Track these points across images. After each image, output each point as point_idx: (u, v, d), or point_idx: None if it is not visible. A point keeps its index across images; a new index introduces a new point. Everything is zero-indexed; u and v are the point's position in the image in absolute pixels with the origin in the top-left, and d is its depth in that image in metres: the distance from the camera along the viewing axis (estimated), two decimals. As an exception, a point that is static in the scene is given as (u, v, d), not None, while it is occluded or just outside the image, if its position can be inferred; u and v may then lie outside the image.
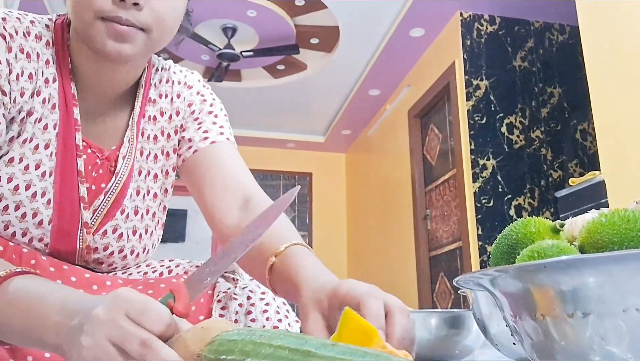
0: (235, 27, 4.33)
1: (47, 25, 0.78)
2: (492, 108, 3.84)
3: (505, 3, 3.86)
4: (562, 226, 0.59)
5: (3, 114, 0.71)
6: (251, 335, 0.43)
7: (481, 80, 3.89)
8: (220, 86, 5.03)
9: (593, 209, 0.63)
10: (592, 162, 3.66)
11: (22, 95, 0.72)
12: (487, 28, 3.99)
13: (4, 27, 0.71)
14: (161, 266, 0.90)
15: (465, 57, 3.91)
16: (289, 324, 0.81)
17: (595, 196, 2.60)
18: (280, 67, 4.97)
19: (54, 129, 0.76)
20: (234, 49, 4.37)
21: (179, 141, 0.89)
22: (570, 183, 2.85)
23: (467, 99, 3.83)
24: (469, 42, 3.94)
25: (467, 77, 3.87)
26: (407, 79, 4.96)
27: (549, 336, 0.47)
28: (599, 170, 2.56)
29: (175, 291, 0.53)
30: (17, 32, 0.73)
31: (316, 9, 4.06)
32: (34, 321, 0.54)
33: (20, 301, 0.55)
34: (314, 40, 4.53)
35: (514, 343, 0.70)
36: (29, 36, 0.74)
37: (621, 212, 0.51)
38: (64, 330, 0.51)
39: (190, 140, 0.88)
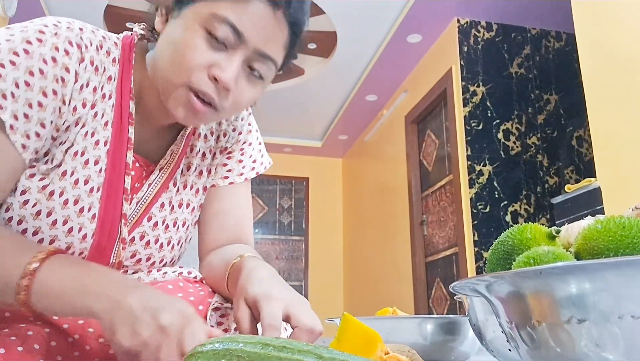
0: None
1: (115, 43, 0.79)
2: (489, 114, 3.85)
3: (502, 10, 3.88)
4: (558, 232, 0.59)
5: (56, 123, 0.71)
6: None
7: (478, 86, 3.90)
8: (218, 90, 5.03)
9: (589, 216, 0.63)
10: (588, 169, 3.67)
11: (84, 106, 0.73)
12: (484, 34, 4.01)
13: (80, 37, 0.72)
14: (157, 271, 0.89)
15: (462, 63, 3.92)
16: (286, 336, 0.82)
17: (591, 202, 2.61)
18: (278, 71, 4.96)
19: (105, 146, 0.76)
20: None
21: (216, 166, 0.93)
22: (566, 190, 2.86)
23: (464, 105, 3.84)
24: (466, 49, 3.95)
25: (463, 83, 3.88)
26: (404, 84, 4.97)
27: (545, 343, 0.47)
28: (595, 177, 2.57)
29: None
30: (91, 44, 0.73)
31: (314, 15, 4.07)
32: (87, 285, 0.61)
33: (76, 267, 0.64)
34: (312, 46, 4.54)
35: (510, 350, 0.70)
36: (100, 50, 0.75)
37: (617, 219, 0.51)
38: (119, 303, 0.58)
39: (226, 167, 0.94)
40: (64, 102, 0.70)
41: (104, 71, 0.75)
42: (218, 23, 0.69)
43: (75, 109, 0.72)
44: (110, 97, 0.76)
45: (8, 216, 0.71)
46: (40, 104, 0.67)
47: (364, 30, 4.25)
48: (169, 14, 0.75)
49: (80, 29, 0.72)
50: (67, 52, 0.69)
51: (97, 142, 0.76)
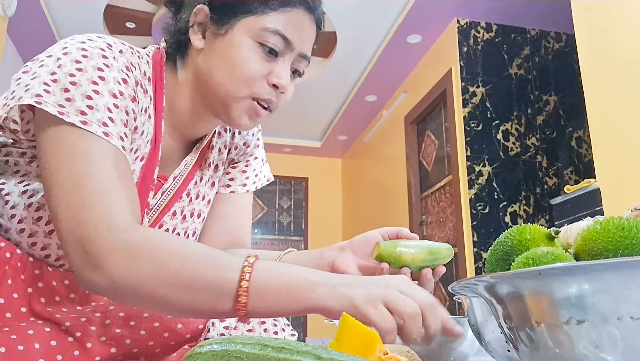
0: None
1: (147, 61, 0.80)
2: (488, 115, 3.85)
3: (502, 10, 3.88)
4: (557, 233, 0.59)
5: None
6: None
7: (477, 87, 3.90)
8: (217, 91, 5.03)
9: (588, 217, 0.63)
10: (587, 170, 3.67)
11: (139, 127, 0.75)
12: (483, 35, 4.01)
13: (130, 62, 0.73)
14: None
15: (461, 64, 3.92)
16: (284, 337, 0.82)
17: (590, 203, 2.61)
18: (278, 72, 4.96)
19: (141, 161, 0.78)
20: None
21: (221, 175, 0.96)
22: (566, 190, 2.86)
23: (464, 106, 3.84)
24: (465, 49, 3.95)
25: (463, 84, 3.89)
26: (404, 85, 4.97)
27: (544, 344, 0.47)
28: (594, 178, 2.57)
29: None
30: (134, 67, 0.75)
31: (314, 15, 4.07)
32: (310, 278, 0.60)
33: (285, 266, 0.64)
34: (311, 46, 4.54)
35: (509, 350, 0.70)
36: (140, 70, 0.77)
37: (616, 220, 0.51)
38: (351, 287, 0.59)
39: (229, 175, 0.98)
40: (135, 130, 0.74)
41: (146, 92, 0.77)
42: (270, 35, 0.75)
43: (136, 128, 0.74)
44: (150, 117, 0.78)
45: (20, 228, 0.72)
46: (126, 124, 0.70)
47: (364, 31, 4.24)
48: (205, 31, 0.78)
49: (121, 52, 0.73)
50: (127, 77, 0.71)
51: (136, 158, 0.77)
